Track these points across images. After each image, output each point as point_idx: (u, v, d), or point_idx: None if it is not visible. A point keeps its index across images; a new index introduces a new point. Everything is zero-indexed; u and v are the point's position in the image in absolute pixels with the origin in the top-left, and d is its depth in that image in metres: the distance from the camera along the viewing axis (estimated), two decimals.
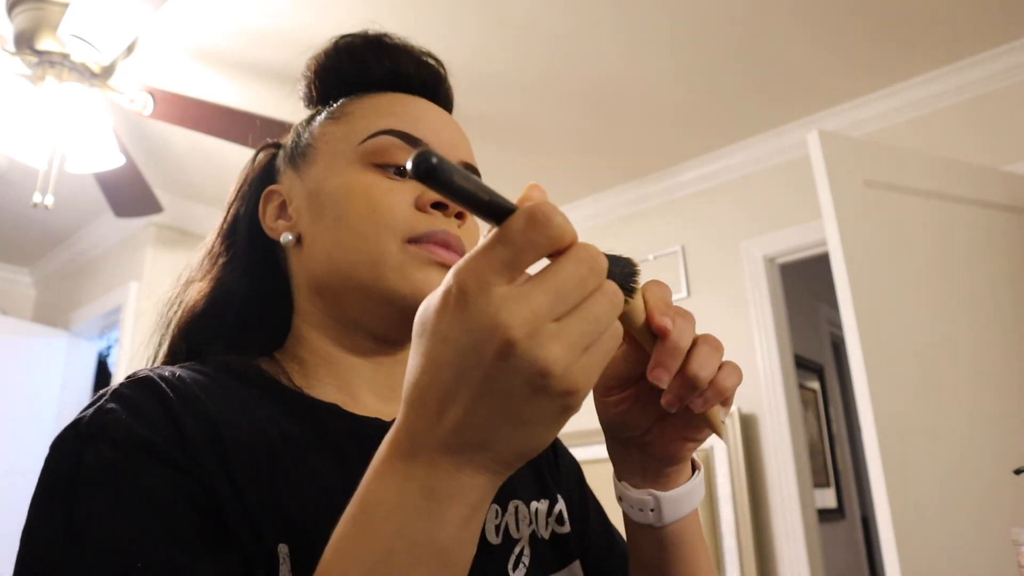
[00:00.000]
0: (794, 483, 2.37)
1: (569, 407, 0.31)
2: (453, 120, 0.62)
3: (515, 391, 0.30)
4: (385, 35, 0.62)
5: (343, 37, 0.62)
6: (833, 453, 3.61)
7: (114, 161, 1.95)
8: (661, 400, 0.42)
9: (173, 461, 0.41)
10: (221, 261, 0.60)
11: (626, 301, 0.38)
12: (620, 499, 0.51)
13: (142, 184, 2.26)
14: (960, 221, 1.88)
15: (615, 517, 0.70)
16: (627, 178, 2.96)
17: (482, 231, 0.35)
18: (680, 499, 0.49)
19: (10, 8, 1.80)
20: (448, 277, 0.31)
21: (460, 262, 0.31)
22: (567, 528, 0.61)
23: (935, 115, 2.34)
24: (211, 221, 0.72)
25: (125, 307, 3.08)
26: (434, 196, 0.54)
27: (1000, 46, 2.16)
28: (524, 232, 0.30)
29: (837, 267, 1.71)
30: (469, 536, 0.34)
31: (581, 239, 0.32)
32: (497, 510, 0.54)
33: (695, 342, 0.41)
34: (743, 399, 2.53)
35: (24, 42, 1.78)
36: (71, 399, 3.29)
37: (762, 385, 2.50)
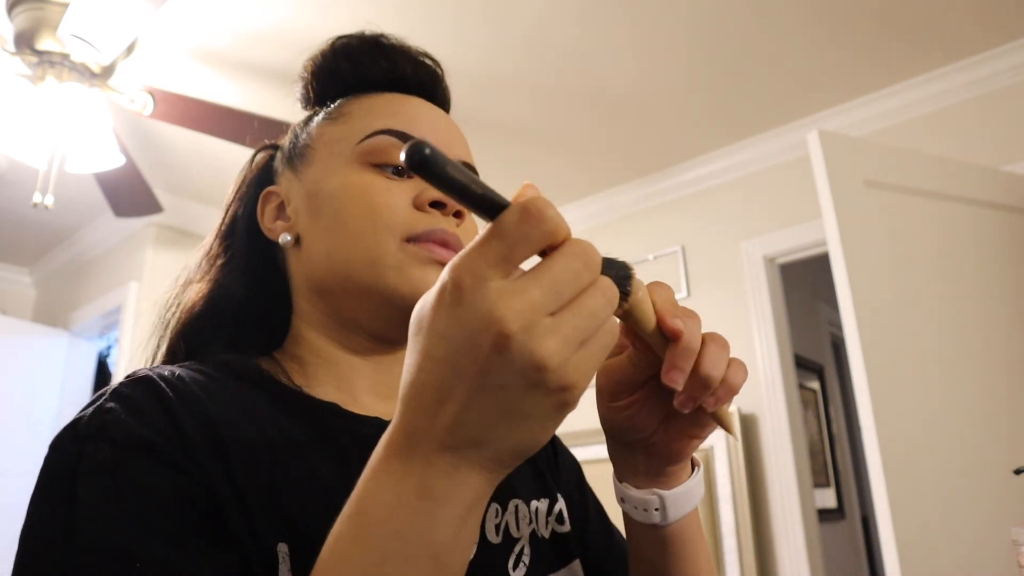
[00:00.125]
0: (794, 483, 2.37)
1: (565, 403, 0.31)
2: (451, 119, 0.62)
3: (511, 386, 0.30)
4: (382, 36, 0.62)
5: (340, 38, 0.62)
6: (833, 453, 3.61)
7: (114, 161, 1.95)
8: (674, 402, 0.42)
9: (172, 461, 0.41)
10: (219, 262, 0.60)
11: (625, 302, 0.38)
12: (622, 501, 0.51)
13: (142, 184, 2.27)
14: (961, 221, 1.88)
15: (614, 517, 0.70)
16: (627, 178, 2.96)
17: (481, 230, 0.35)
18: (684, 496, 0.50)
19: (10, 8, 1.80)
20: (443, 273, 0.31)
21: (455, 258, 0.31)
22: (567, 527, 0.61)
23: (937, 114, 2.34)
24: (211, 221, 0.72)
25: (125, 307, 3.08)
26: (432, 195, 0.54)
27: (1003, 44, 2.16)
28: (518, 226, 0.30)
29: (837, 267, 1.71)
30: (465, 537, 0.34)
31: (580, 239, 0.32)
32: (497, 509, 0.54)
33: (703, 341, 0.42)
34: (743, 399, 2.53)
35: (24, 42, 1.78)
36: (71, 399, 3.29)
37: (762, 385, 2.50)
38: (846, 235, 1.71)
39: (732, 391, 0.42)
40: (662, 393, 0.46)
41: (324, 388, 0.55)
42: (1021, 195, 1.98)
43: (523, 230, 0.30)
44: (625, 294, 0.38)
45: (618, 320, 0.35)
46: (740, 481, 2.43)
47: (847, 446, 3.80)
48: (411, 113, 0.59)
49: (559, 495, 0.63)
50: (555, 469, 0.66)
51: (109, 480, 0.39)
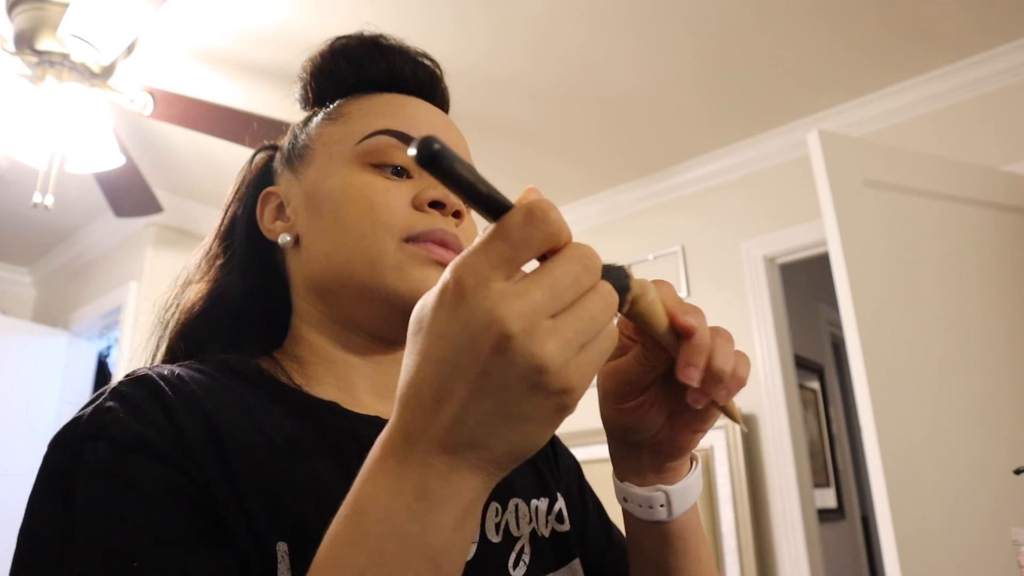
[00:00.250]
0: (794, 483, 2.37)
1: (565, 406, 0.31)
2: (450, 120, 0.62)
3: (511, 387, 0.30)
4: (381, 36, 0.62)
5: (339, 39, 0.62)
6: (833, 453, 3.61)
7: (114, 161, 1.95)
8: (688, 398, 0.43)
9: (171, 460, 0.41)
10: (219, 263, 0.61)
11: (630, 303, 0.38)
12: (625, 500, 0.51)
13: (142, 184, 2.27)
14: (961, 221, 1.88)
15: (614, 516, 0.70)
16: (627, 178, 2.96)
17: (479, 229, 0.35)
18: (687, 491, 0.50)
19: (10, 8, 1.80)
20: (445, 273, 0.31)
21: (457, 258, 0.31)
22: (567, 526, 0.61)
23: (937, 114, 2.34)
24: (211, 221, 0.72)
25: (125, 307, 3.08)
26: (432, 195, 0.55)
27: (1003, 44, 2.16)
28: (522, 228, 0.30)
29: (837, 267, 1.71)
30: (463, 538, 0.34)
31: (580, 239, 0.32)
32: (497, 508, 0.54)
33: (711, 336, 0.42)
34: (743, 399, 2.53)
35: (24, 42, 1.78)
36: (71, 399, 3.29)
37: (762, 385, 2.50)
38: (846, 235, 1.71)
39: (741, 383, 0.43)
40: (668, 390, 0.46)
41: (324, 387, 0.55)
42: (1022, 195, 1.98)
43: (527, 232, 0.30)
44: (622, 302, 0.38)
45: (616, 324, 0.35)
46: (740, 481, 2.43)
47: (847, 446, 3.80)
48: (410, 113, 0.59)
49: (559, 494, 0.63)
50: (555, 468, 0.66)
51: (107, 480, 0.39)
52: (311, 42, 0.63)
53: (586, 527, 0.65)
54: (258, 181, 0.63)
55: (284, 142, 0.64)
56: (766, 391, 2.49)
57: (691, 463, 0.52)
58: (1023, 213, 1.96)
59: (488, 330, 0.30)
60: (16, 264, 3.79)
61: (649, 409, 0.47)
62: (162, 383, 0.45)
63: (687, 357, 0.40)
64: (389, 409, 0.55)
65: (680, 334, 0.41)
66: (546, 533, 0.58)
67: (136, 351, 0.62)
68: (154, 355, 0.58)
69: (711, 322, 0.42)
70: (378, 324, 0.55)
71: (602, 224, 3.11)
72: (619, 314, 0.41)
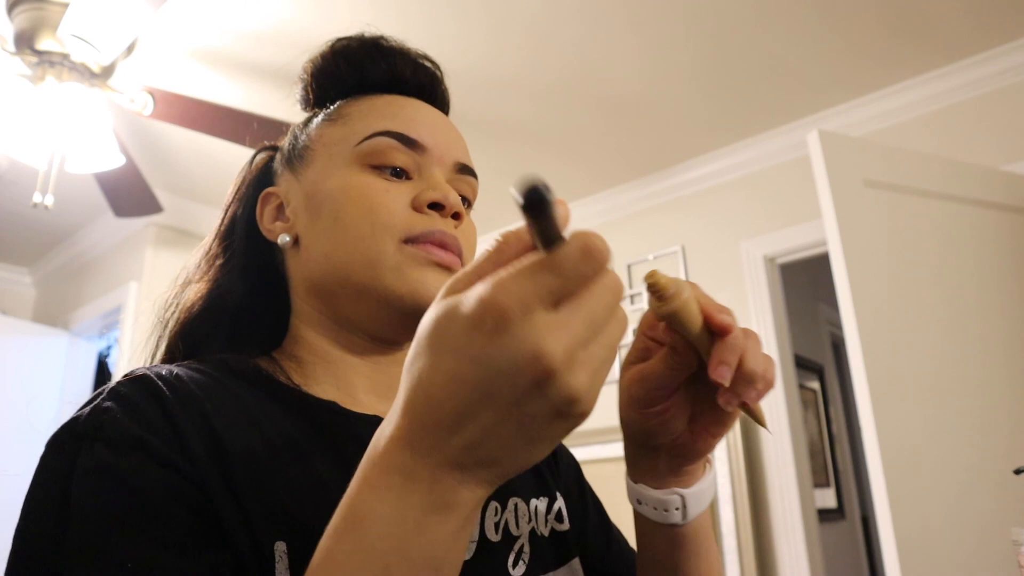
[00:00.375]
0: (794, 483, 2.37)
1: (577, 425, 0.32)
2: (449, 121, 0.62)
3: (540, 416, 0.30)
4: (381, 37, 0.62)
5: (339, 40, 0.62)
6: (833, 453, 3.61)
7: (114, 161, 1.95)
8: (719, 398, 0.43)
9: (169, 461, 0.41)
10: (218, 263, 0.61)
11: (665, 303, 0.39)
12: (639, 502, 0.51)
13: (142, 184, 2.27)
14: (961, 221, 1.88)
15: (614, 516, 0.70)
16: (627, 178, 2.96)
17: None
18: (702, 494, 0.50)
19: (10, 8, 1.80)
20: (484, 294, 0.29)
21: (499, 281, 0.30)
22: (566, 526, 0.61)
23: (937, 114, 2.34)
24: (211, 221, 0.72)
25: (125, 307, 3.08)
26: (431, 196, 0.55)
27: (1003, 45, 2.16)
28: (576, 265, 0.30)
29: (837, 267, 1.71)
30: (461, 544, 0.34)
31: (611, 270, 0.32)
32: (497, 507, 0.54)
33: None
34: None
35: (24, 42, 1.78)
36: (71, 399, 3.29)
37: None
38: (846, 235, 1.71)
39: (770, 385, 0.43)
40: (691, 393, 0.46)
41: (323, 387, 0.55)
42: (1021, 195, 1.98)
43: (581, 270, 0.30)
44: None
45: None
46: (740, 481, 2.43)
47: (847, 446, 3.80)
48: (410, 115, 0.59)
49: (558, 494, 0.63)
50: (554, 468, 0.66)
51: (103, 480, 0.39)
52: (311, 42, 0.63)
53: (585, 526, 0.65)
54: (258, 181, 0.63)
55: (284, 143, 0.64)
56: None
57: (705, 466, 0.51)
58: (1023, 213, 1.96)
59: (533, 364, 0.29)
60: (16, 264, 3.79)
61: (674, 413, 0.47)
62: (160, 383, 0.45)
63: (721, 355, 0.41)
64: (388, 409, 0.55)
65: (715, 332, 0.41)
66: (545, 532, 0.58)
67: (136, 351, 0.62)
68: (154, 355, 0.58)
69: None
70: (377, 324, 0.55)
71: (602, 224, 3.11)
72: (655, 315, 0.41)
